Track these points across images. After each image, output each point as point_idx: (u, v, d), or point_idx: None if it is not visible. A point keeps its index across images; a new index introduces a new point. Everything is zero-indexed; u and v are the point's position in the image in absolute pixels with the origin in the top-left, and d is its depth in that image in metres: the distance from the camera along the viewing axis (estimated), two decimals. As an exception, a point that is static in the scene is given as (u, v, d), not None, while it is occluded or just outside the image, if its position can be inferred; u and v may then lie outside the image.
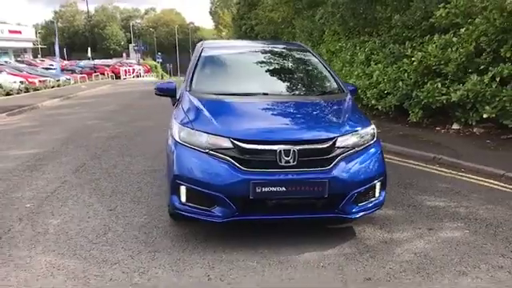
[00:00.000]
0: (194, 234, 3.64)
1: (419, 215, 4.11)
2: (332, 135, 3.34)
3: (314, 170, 3.24)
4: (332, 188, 3.21)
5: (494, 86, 6.76)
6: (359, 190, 3.33)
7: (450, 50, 7.32)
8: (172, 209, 3.55)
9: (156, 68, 52.06)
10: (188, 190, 3.33)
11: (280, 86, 4.43)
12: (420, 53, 7.74)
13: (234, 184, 3.16)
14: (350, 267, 3.12)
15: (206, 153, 3.29)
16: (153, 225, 3.89)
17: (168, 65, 58.63)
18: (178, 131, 3.50)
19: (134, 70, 40.73)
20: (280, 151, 3.20)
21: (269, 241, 3.48)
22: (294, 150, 3.21)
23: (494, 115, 6.76)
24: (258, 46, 5.61)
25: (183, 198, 3.37)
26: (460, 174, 5.49)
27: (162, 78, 46.68)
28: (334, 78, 4.48)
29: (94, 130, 8.99)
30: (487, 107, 6.76)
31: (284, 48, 5.24)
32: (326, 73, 4.59)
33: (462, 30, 7.23)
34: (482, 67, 7.07)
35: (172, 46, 71.76)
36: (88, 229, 3.81)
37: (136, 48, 56.25)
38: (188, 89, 4.12)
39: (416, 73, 7.89)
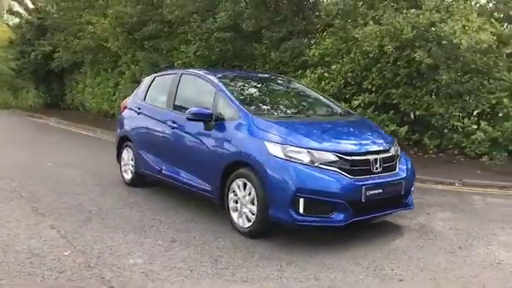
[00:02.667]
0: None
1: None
2: (388, 146, 4.38)
3: (390, 173, 4.20)
4: (405, 186, 4.24)
5: (358, 111, 8.84)
6: (413, 185, 4.44)
7: (323, 82, 9.16)
8: (289, 222, 3.90)
9: None
10: (306, 202, 3.78)
11: (308, 109, 5.18)
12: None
13: (352, 190, 3.84)
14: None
15: (317, 166, 3.86)
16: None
17: None
18: (281, 150, 3.92)
19: None
20: (372, 160, 4.06)
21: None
22: (379, 159, 4.11)
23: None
24: (250, 74, 6.34)
25: (301, 210, 3.80)
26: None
27: None
28: (330, 100, 5.51)
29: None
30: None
31: (272, 76, 6.07)
32: (321, 97, 5.57)
33: (333, 67, 9.17)
34: (347, 96, 9.13)
35: None
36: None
37: None
38: (251, 113, 4.46)
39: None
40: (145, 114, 5.92)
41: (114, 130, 7.15)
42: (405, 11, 8.08)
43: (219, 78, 5.15)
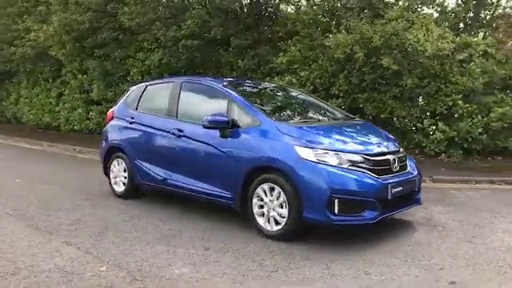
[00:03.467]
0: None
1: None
2: (399, 146, 4.67)
3: (405, 172, 4.48)
4: (418, 184, 4.53)
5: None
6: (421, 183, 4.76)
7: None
8: (325, 223, 4.03)
9: None
10: (340, 202, 3.92)
11: (315, 114, 5.32)
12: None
13: (381, 189, 4.04)
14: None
15: (346, 168, 4.01)
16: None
17: None
18: (312, 154, 4.04)
19: None
20: (392, 160, 4.30)
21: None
22: (396, 158, 4.37)
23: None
24: (247, 82, 6.44)
25: (336, 210, 3.93)
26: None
27: None
28: (328, 105, 5.72)
29: None
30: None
31: (272, 84, 6.25)
32: (319, 102, 5.77)
33: (302, 74, 9.47)
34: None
35: None
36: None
37: None
38: (273, 119, 4.55)
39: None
40: (140, 123, 5.77)
41: (62, 143, 6.85)
42: (369, 21, 8.58)
43: (228, 85, 5.18)
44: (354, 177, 4.01)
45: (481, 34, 10.24)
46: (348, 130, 4.77)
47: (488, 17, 10.25)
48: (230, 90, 4.99)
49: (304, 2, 10.21)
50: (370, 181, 4.05)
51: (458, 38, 8.97)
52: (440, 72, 8.84)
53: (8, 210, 5.42)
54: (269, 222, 4.32)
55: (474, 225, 4.80)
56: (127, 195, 5.97)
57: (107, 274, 3.51)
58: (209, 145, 4.82)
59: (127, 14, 10.63)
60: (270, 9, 10.23)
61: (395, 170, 4.36)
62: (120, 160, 6.04)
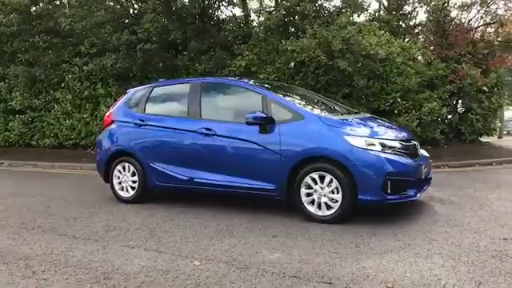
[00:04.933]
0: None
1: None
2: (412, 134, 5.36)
3: (424, 155, 5.16)
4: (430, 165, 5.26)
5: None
6: None
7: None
8: (380, 202, 4.50)
9: None
10: (392, 183, 4.41)
11: (332, 108, 5.75)
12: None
13: (418, 169, 4.65)
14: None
15: (390, 153, 4.54)
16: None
17: None
18: (363, 142, 4.51)
19: None
20: (416, 145, 4.95)
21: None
22: (417, 143, 5.03)
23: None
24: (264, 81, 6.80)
25: (389, 190, 4.43)
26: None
27: None
28: (331, 101, 6.24)
29: None
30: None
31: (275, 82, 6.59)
32: (324, 99, 6.25)
33: (261, 76, 9.89)
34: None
35: None
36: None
37: None
38: (317, 113, 4.95)
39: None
40: (154, 125, 5.71)
41: None
42: (325, 27, 9.34)
43: (256, 84, 5.47)
44: (401, 160, 4.57)
45: (406, 40, 11.69)
46: (371, 121, 5.33)
47: (411, 24, 11.76)
48: (262, 89, 5.26)
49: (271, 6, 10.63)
50: (411, 163, 4.64)
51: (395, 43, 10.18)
52: (383, 73, 9.96)
53: (20, 225, 5.01)
54: (319, 207, 4.68)
55: (469, 197, 5.68)
56: (137, 200, 5.84)
57: (207, 267, 3.56)
58: (248, 141, 5.01)
59: (69, 17, 10.06)
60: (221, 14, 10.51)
61: (419, 153, 5.03)
62: (127, 164, 5.89)
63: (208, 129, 5.28)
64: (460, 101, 11.67)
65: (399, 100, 10.12)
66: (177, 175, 5.50)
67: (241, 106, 5.25)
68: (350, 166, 4.48)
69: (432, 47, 11.14)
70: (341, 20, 9.32)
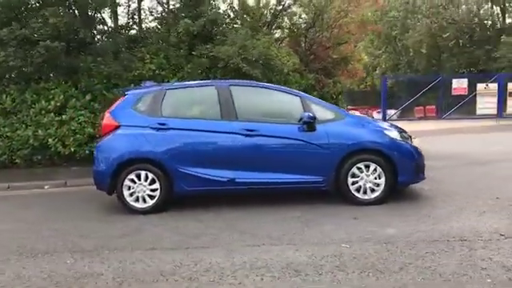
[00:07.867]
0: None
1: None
2: None
3: None
4: None
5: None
6: None
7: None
8: (415, 181, 5.64)
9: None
10: (417, 165, 5.58)
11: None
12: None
13: (423, 157, 5.88)
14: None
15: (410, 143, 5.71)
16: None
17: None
18: (397, 135, 5.58)
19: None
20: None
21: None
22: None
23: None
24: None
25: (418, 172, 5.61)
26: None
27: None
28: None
29: None
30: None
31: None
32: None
33: (172, 81, 9.70)
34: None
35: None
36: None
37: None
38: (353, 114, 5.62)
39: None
40: (182, 129, 5.47)
41: None
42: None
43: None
44: (418, 149, 5.80)
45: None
46: (375, 120, 6.48)
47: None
48: (299, 92, 5.85)
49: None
50: (421, 151, 5.93)
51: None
52: (286, 79, 11.14)
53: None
54: (365, 192, 5.49)
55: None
56: (158, 209, 5.46)
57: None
58: (295, 139, 5.44)
59: None
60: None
61: None
62: (144, 172, 5.43)
63: (249, 129, 5.43)
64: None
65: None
66: (214, 178, 5.44)
67: (282, 108, 5.63)
68: (392, 155, 5.47)
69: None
70: (240, 35, 9.99)
